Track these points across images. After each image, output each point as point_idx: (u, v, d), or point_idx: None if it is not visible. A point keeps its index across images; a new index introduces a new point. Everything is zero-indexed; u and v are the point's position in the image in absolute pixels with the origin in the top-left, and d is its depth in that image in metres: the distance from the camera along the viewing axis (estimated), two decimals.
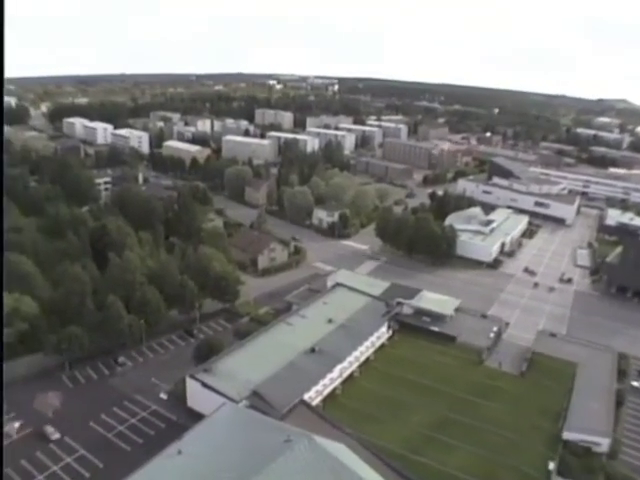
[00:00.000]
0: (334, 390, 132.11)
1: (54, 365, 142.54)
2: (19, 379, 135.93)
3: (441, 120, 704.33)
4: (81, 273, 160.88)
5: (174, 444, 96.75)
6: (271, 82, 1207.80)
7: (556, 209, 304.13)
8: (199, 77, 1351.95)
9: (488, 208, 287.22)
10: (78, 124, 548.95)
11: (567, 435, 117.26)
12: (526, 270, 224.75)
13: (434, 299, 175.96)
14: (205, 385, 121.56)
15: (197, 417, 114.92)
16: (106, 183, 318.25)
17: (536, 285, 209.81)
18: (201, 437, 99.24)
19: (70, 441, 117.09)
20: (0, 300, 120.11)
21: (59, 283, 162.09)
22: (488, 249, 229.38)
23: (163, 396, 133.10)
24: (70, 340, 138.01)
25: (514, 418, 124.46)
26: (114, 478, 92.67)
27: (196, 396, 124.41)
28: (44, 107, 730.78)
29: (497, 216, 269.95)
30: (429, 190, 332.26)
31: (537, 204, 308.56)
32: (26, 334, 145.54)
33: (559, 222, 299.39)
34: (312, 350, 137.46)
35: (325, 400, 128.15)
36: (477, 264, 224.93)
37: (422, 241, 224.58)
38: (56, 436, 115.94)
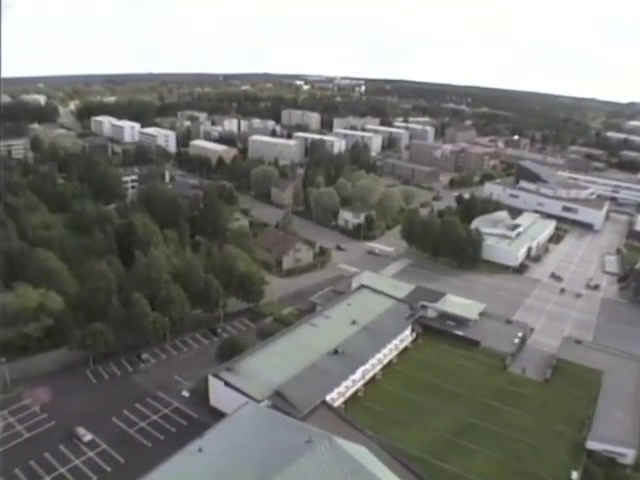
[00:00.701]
0: (356, 392, 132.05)
1: (78, 360, 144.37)
2: (44, 373, 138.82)
3: (468, 122, 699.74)
4: (107, 270, 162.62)
5: (195, 442, 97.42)
6: (298, 82, 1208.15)
7: (584, 214, 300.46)
8: (226, 77, 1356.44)
9: (515, 212, 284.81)
10: (106, 122, 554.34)
11: (591, 445, 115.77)
12: (552, 276, 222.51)
13: (459, 303, 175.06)
14: (228, 384, 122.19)
15: (219, 415, 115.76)
16: (133, 181, 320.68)
17: (562, 291, 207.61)
18: (222, 435, 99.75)
19: (92, 435, 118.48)
20: None
21: (85, 279, 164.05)
22: (514, 253, 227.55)
23: (185, 394, 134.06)
24: (95, 336, 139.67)
25: (537, 425, 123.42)
26: (135, 473, 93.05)
27: (218, 395, 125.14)
28: (73, 105, 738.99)
29: (524, 220, 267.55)
30: (455, 193, 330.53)
31: (565, 209, 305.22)
32: (51, 329, 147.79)
33: (587, 227, 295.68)
34: (335, 351, 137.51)
35: (347, 402, 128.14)
36: (503, 268, 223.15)
37: (448, 244, 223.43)
38: (88, 438, 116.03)
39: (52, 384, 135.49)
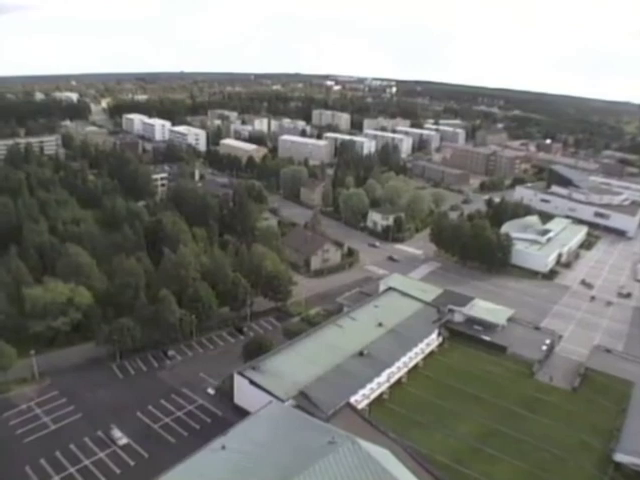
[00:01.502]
0: (381, 395, 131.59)
1: (105, 355, 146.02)
2: (71, 367, 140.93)
3: (500, 125, 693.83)
4: (135, 266, 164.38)
5: (219, 439, 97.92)
6: (329, 83, 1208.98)
7: (617, 220, 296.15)
8: (258, 76, 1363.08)
9: (546, 217, 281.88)
10: (137, 120, 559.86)
11: (619, 457, 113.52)
12: (583, 282, 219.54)
13: (486, 308, 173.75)
14: (252, 382, 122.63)
15: (243, 414, 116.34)
16: (163, 179, 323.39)
17: (593, 298, 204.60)
18: (246, 433, 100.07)
19: (117, 429, 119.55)
20: None
21: (114, 275, 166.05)
22: (544, 259, 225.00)
23: (210, 391, 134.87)
24: (122, 331, 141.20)
25: (563, 435, 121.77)
26: (158, 469, 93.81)
27: (243, 393, 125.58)
28: (104, 103, 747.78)
29: (555, 226, 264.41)
30: (486, 196, 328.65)
31: (597, 215, 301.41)
32: (80, 323, 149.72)
33: (620, 234, 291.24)
34: (361, 353, 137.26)
35: (371, 404, 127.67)
36: (532, 274, 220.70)
37: (477, 248, 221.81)
38: (124, 441, 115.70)
39: (79, 377, 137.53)
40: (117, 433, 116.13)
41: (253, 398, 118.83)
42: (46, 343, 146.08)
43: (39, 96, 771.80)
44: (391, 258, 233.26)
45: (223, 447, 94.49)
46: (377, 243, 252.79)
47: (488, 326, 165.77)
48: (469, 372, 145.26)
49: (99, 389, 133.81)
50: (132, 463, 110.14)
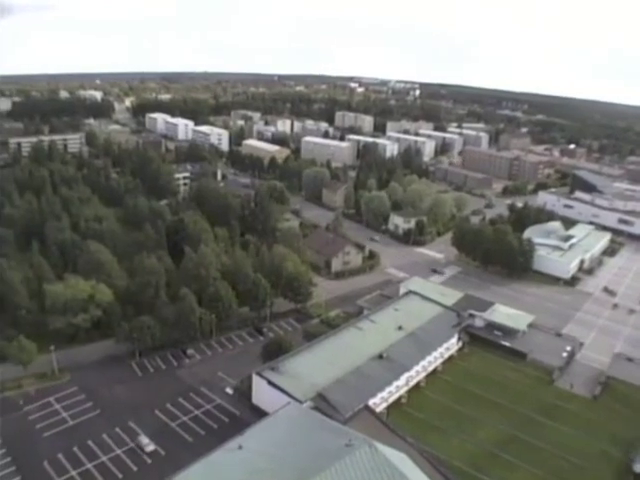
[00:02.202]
0: (399, 398, 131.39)
1: (124, 352, 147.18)
2: (91, 364, 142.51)
3: (523, 130, 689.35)
4: (156, 265, 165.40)
5: (236, 438, 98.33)
6: (352, 85, 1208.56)
7: None
8: (281, 77, 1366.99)
9: (568, 223, 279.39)
10: (160, 119, 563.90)
11: (639, 468, 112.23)
12: (605, 290, 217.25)
13: (507, 313, 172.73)
14: (271, 383, 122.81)
15: (260, 414, 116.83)
16: (185, 178, 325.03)
17: (615, 306, 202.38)
18: (263, 434, 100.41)
19: (135, 426, 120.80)
20: None
21: (134, 273, 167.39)
22: (566, 265, 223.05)
23: (229, 391, 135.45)
24: (142, 329, 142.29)
25: (583, 443, 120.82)
26: (175, 466, 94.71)
27: (261, 393, 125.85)
28: (128, 102, 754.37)
29: (577, 232, 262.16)
30: (508, 201, 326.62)
31: (621, 221, 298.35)
32: (100, 320, 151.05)
33: None
34: (380, 356, 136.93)
35: (389, 407, 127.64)
36: (554, 280, 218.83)
37: (498, 253, 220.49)
38: (151, 448, 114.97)
39: (98, 374, 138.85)
40: (144, 439, 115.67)
41: (271, 399, 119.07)
42: (66, 339, 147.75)
43: (63, 94, 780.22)
44: (435, 270, 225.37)
45: (240, 447, 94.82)
46: (376, 237, 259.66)
47: (508, 332, 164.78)
48: (488, 377, 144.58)
49: (118, 386, 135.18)
50: (149, 461, 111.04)
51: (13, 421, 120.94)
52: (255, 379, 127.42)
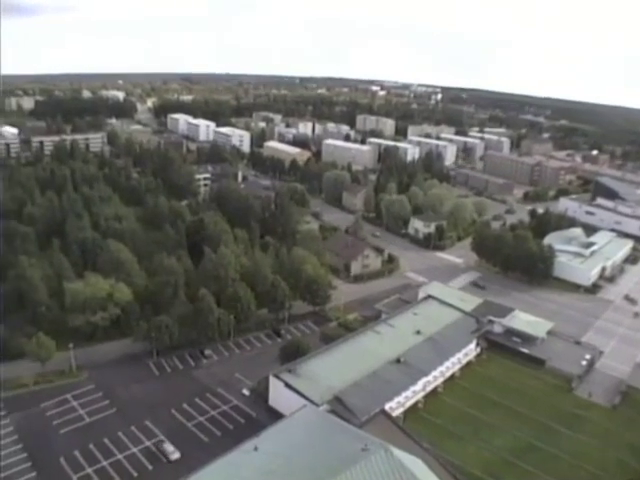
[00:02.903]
0: (416, 403, 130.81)
1: (142, 351, 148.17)
2: (108, 362, 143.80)
3: (545, 135, 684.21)
4: (176, 265, 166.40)
5: (251, 440, 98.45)
6: (374, 88, 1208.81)
7: None
8: (303, 80, 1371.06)
9: (590, 230, 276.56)
10: (182, 120, 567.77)
11: None
12: (627, 298, 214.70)
13: (526, 320, 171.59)
14: (288, 385, 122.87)
15: (277, 416, 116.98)
16: (206, 179, 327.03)
17: (637, 315, 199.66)
18: (279, 436, 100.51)
19: (151, 425, 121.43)
20: None
21: (154, 273, 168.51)
22: (587, 272, 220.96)
23: (245, 392, 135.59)
24: (160, 329, 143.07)
25: (601, 453, 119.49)
26: (190, 467, 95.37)
27: (278, 395, 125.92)
28: (150, 102, 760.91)
29: (599, 239, 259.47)
30: (529, 207, 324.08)
31: None
32: (118, 319, 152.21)
33: None
34: (397, 360, 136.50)
35: (406, 412, 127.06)
36: (574, 287, 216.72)
37: (519, 259, 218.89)
38: (176, 456, 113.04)
39: (115, 372, 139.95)
40: (169, 447, 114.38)
41: (288, 401, 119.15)
42: (85, 337, 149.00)
43: (86, 94, 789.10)
44: (476, 284, 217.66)
45: (255, 448, 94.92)
46: (378, 233, 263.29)
47: (527, 338, 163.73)
48: (506, 384, 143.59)
49: (135, 385, 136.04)
50: (164, 460, 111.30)
51: (30, 417, 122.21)
52: (272, 381, 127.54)
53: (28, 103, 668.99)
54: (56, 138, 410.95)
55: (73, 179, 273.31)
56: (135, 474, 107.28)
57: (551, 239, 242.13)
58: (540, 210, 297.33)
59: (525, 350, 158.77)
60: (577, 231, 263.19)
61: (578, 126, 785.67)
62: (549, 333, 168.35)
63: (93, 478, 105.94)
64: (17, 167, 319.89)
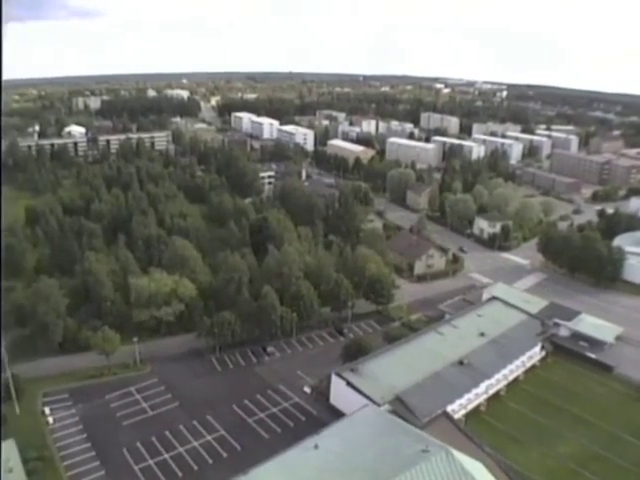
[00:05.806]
0: (478, 406, 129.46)
1: (205, 347, 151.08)
2: (172, 357, 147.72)
3: (616, 132, 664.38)
4: (240, 262, 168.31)
5: (312, 438, 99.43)
6: (438, 85, 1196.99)
7: None
8: (366, 78, 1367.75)
9: None
10: (245, 118, 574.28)
11: None
12: None
13: (594, 324, 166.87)
14: (350, 384, 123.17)
15: (337, 414, 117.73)
16: (269, 177, 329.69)
17: None
18: (339, 434, 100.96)
19: (212, 420, 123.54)
20: None
21: (218, 269, 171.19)
22: None
23: (306, 390, 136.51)
24: (223, 325, 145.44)
25: None
26: (250, 462, 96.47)
27: (339, 394, 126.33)
28: (214, 101, 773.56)
29: None
30: (598, 207, 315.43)
31: None
32: (182, 314, 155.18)
33: None
34: (460, 362, 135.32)
35: (468, 415, 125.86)
36: None
37: (586, 261, 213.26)
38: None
39: (178, 367, 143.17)
40: None
41: (349, 400, 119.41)
42: (149, 332, 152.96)
43: (151, 93, 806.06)
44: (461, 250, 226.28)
45: (316, 446, 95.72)
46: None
47: (595, 343, 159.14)
48: (572, 390, 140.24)
49: (197, 380, 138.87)
50: (225, 455, 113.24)
51: (95, 408, 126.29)
52: (334, 379, 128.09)
53: (95, 103, 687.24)
54: (122, 137, 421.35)
55: (139, 177, 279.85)
56: (195, 467, 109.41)
57: (621, 240, 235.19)
58: (609, 210, 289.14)
59: (592, 355, 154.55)
60: None
61: None
62: (618, 338, 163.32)
63: (154, 470, 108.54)
64: (85, 165, 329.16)
